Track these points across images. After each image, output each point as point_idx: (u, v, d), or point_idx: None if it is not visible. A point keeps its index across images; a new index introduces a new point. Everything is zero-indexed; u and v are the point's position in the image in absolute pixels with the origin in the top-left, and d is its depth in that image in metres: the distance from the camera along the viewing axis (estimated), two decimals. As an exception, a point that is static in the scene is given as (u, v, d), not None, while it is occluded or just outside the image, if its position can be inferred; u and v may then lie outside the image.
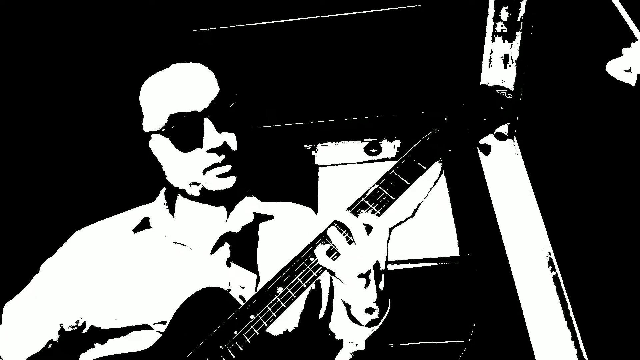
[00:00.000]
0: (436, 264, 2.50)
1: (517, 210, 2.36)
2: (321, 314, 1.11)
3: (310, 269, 0.88)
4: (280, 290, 0.88)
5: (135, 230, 1.09)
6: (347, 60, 2.53)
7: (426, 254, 2.55)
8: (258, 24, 2.37)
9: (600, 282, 1.69)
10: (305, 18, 2.35)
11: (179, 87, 1.00)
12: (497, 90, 1.01)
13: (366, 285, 0.88)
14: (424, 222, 2.67)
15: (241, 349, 0.86)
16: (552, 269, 2.15)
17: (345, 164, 3.01)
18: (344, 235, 0.87)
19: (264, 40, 2.43)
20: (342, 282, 0.88)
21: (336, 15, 2.34)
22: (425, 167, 0.93)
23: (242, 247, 1.06)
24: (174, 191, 1.10)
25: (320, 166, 3.03)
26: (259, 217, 1.13)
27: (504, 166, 2.54)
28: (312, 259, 0.89)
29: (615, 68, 1.34)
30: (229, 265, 1.03)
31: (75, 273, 1.05)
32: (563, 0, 1.88)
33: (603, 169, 1.64)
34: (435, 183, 2.81)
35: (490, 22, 2.19)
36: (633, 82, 1.30)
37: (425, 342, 2.28)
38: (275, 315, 0.87)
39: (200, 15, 2.34)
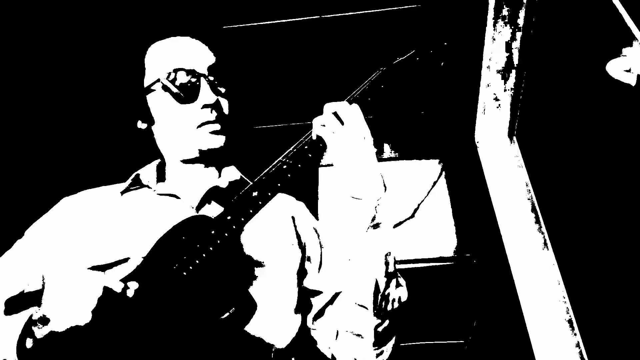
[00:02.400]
0: (436, 264, 2.51)
1: (517, 210, 2.36)
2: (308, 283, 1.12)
3: (286, 170, 0.93)
4: (255, 193, 0.92)
5: (124, 192, 1.14)
6: (347, 60, 2.53)
7: (426, 254, 2.55)
8: (258, 24, 2.37)
9: (600, 281, 1.69)
10: (305, 18, 2.35)
11: (182, 48, 1.13)
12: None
13: (358, 162, 0.94)
14: (424, 222, 2.67)
15: (218, 242, 0.88)
16: (553, 269, 2.15)
17: (345, 164, 3.00)
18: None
19: (264, 40, 2.43)
20: (333, 150, 0.95)
21: (336, 15, 2.34)
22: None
23: (228, 199, 1.12)
24: (165, 160, 1.18)
25: (321, 166, 3.03)
26: (245, 181, 1.20)
27: (504, 166, 2.54)
28: (285, 165, 0.94)
29: (615, 68, 1.34)
30: (209, 203, 1.10)
31: (61, 231, 1.08)
32: (563, 0, 1.88)
33: (603, 169, 1.64)
34: (435, 183, 2.82)
35: (490, 22, 2.19)
36: (633, 82, 1.30)
37: (425, 342, 2.28)
38: (252, 212, 0.90)
39: (201, 15, 2.34)
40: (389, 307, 0.98)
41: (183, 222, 0.93)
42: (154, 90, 1.11)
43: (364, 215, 0.96)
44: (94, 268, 0.97)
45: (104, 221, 1.06)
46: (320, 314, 1.04)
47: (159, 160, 1.21)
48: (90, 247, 1.02)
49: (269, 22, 2.36)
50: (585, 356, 1.90)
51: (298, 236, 1.13)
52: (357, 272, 0.98)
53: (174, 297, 0.85)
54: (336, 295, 1.03)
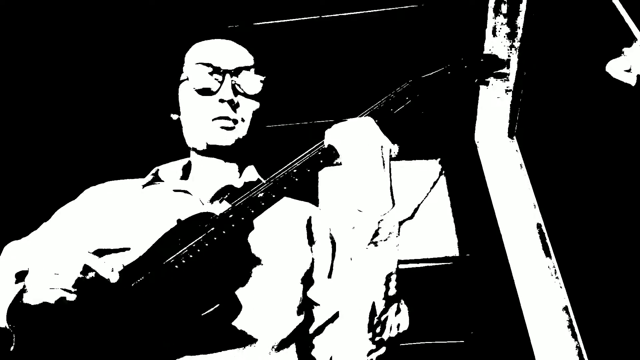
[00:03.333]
0: (436, 264, 2.50)
1: (517, 210, 2.36)
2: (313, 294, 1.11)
3: (295, 174, 0.94)
4: (261, 194, 0.93)
5: (145, 185, 1.17)
6: (346, 60, 2.53)
7: (426, 254, 2.54)
8: (258, 24, 2.37)
9: (600, 281, 1.69)
10: (305, 18, 2.35)
11: (215, 46, 1.17)
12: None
13: (371, 167, 0.93)
14: (424, 222, 2.67)
15: (215, 239, 0.89)
16: (552, 268, 2.15)
17: (345, 164, 2.99)
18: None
19: (263, 41, 2.43)
20: (344, 160, 0.94)
21: (336, 15, 2.34)
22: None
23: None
24: (190, 154, 1.21)
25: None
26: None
27: (504, 166, 2.54)
28: (295, 170, 0.95)
29: (615, 68, 1.34)
30: (220, 201, 1.12)
31: (80, 217, 1.12)
32: (563, 0, 1.88)
33: (603, 169, 1.64)
34: (434, 183, 2.82)
35: (490, 22, 2.19)
36: (633, 82, 1.30)
37: (425, 342, 2.28)
38: (254, 213, 0.91)
39: (200, 16, 2.34)
40: (386, 335, 0.94)
41: (190, 218, 0.94)
42: (182, 82, 1.16)
43: (365, 230, 0.93)
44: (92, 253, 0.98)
45: (119, 212, 1.09)
46: (320, 330, 1.03)
47: (187, 160, 1.24)
48: (99, 234, 1.04)
49: (269, 22, 2.36)
50: (585, 356, 1.90)
51: (311, 240, 1.13)
52: (356, 289, 0.94)
53: (163, 289, 0.86)
54: (337, 314, 1.01)
